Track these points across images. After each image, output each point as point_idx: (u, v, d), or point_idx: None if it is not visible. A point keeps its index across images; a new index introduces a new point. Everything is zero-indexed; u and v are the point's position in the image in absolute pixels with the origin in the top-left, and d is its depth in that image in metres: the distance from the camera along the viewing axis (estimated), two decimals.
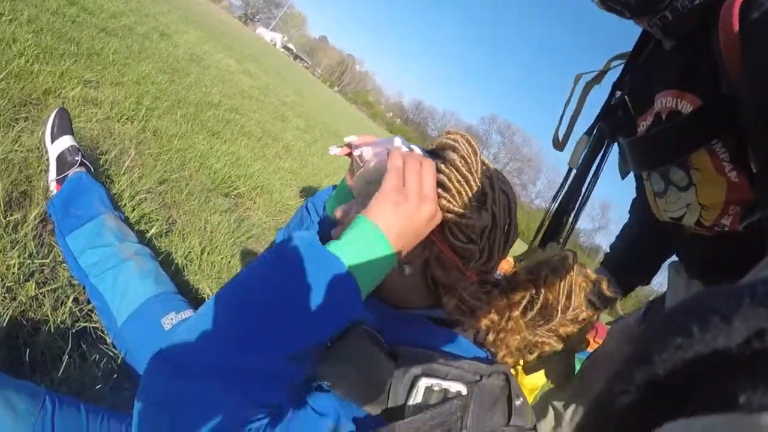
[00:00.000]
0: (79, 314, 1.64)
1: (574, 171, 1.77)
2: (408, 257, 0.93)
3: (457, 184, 0.94)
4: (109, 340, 1.62)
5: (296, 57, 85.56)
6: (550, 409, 1.96)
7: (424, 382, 0.76)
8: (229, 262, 2.48)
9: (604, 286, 1.09)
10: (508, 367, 0.93)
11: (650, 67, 1.47)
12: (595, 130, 1.70)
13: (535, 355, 1.02)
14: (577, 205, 1.79)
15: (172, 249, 2.21)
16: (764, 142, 0.99)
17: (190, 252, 2.27)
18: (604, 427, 0.28)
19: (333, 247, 0.77)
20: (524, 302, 1.00)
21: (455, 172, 0.95)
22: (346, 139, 1.18)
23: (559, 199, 1.79)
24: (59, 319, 1.57)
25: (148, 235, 2.15)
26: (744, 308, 0.23)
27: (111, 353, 1.59)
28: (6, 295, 1.51)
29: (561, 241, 1.80)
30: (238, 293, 0.74)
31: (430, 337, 0.91)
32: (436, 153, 1.01)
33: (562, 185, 1.80)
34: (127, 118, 2.99)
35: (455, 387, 0.77)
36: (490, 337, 0.99)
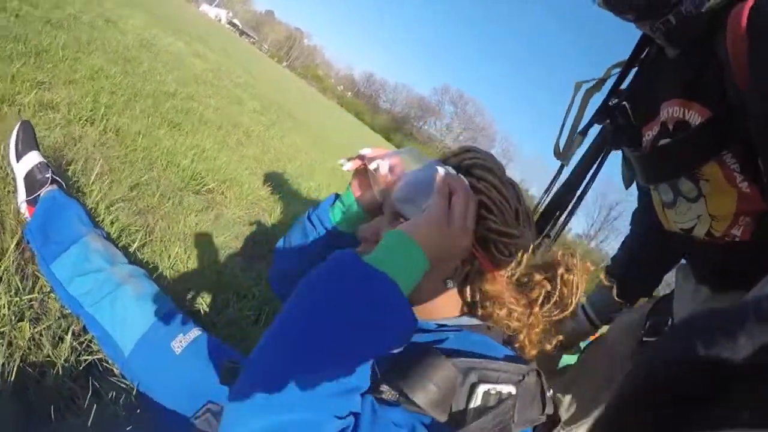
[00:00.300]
0: (80, 348, 1.53)
1: (565, 168, 1.76)
2: (451, 273, 1.02)
3: (501, 205, 1.03)
4: (116, 371, 1.53)
5: (242, 33, 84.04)
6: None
7: (482, 388, 0.85)
8: (216, 264, 2.41)
9: (602, 276, 1.36)
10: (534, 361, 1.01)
11: (653, 75, 1.45)
12: (592, 130, 1.70)
13: (554, 344, 1.10)
14: (570, 206, 1.78)
15: (157, 260, 2.11)
16: None
17: (176, 261, 2.18)
18: None
19: (383, 265, 0.81)
20: (541, 298, 1.05)
21: (496, 193, 1.03)
22: (360, 152, 1.19)
23: (550, 195, 1.77)
24: (62, 357, 1.46)
25: (132, 249, 2.04)
26: (748, 325, 0.23)
27: (124, 385, 1.50)
28: (1, 341, 1.38)
29: (552, 237, 1.78)
30: (298, 321, 0.77)
31: (467, 342, 0.96)
32: (465, 170, 1.04)
33: (553, 181, 1.79)
34: (86, 120, 2.83)
35: (506, 389, 0.87)
36: (522, 337, 1.05)
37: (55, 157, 2.25)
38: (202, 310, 2.04)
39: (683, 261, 1.70)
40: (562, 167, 1.75)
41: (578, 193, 1.76)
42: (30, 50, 3.22)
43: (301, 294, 0.80)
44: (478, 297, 1.05)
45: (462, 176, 1.02)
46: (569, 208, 1.77)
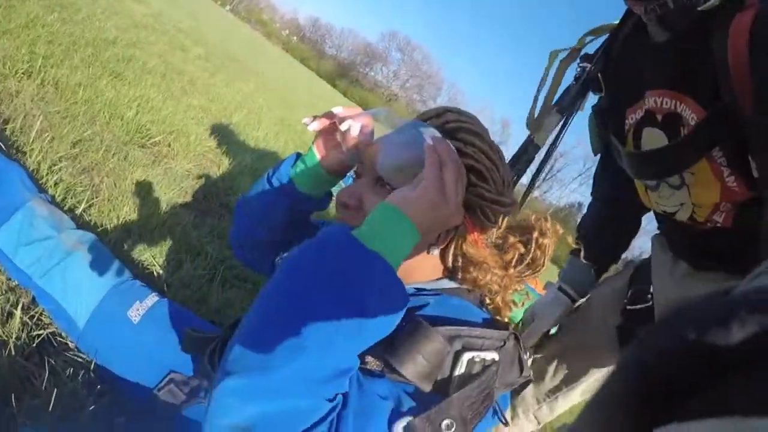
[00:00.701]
0: (30, 322, 1.47)
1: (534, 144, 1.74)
2: (434, 239, 1.03)
3: (492, 173, 1.04)
4: (72, 345, 1.48)
5: None
6: (534, 362, 2.01)
7: (466, 356, 0.86)
8: (168, 222, 2.36)
9: (570, 240, 1.28)
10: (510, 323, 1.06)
11: (635, 55, 1.44)
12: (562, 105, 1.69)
13: (523, 301, 1.20)
14: (536, 173, 1.84)
15: (105, 221, 2.06)
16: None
17: (125, 221, 2.13)
18: (600, 427, 0.29)
19: (376, 242, 0.81)
20: (515, 260, 1.09)
21: (486, 159, 1.04)
22: (332, 110, 1.13)
23: (516, 168, 1.73)
24: (13, 335, 1.39)
25: (78, 211, 1.98)
26: (740, 314, 0.23)
27: (80, 360, 1.45)
28: None
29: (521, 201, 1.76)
30: (290, 305, 0.75)
31: (448, 307, 0.97)
32: (449, 134, 1.03)
33: (520, 153, 1.75)
34: (23, 73, 2.69)
35: (490, 355, 0.88)
36: (498, 299, 1.08)
37: None
38: (155, 272, 2.02)
39: (658, 231, 1.72)
40: (528, 142, 1.73)
41: (543, 157, 1.78)
42: None
43: (292, 274, 0.79)
44: (460, 261, 1.06)
45: (448, 141, 1.00)
46: (535, 174, 1.81)
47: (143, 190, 2.45)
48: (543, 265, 1.12)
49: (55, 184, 2.03)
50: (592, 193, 1.98)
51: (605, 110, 1.63)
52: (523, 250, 1.10)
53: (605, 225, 1.90)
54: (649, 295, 1.72)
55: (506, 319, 1.10)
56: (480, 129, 1.07)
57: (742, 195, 1.22)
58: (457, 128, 1.04)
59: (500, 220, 1.08)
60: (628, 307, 1.77)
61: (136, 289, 1.54)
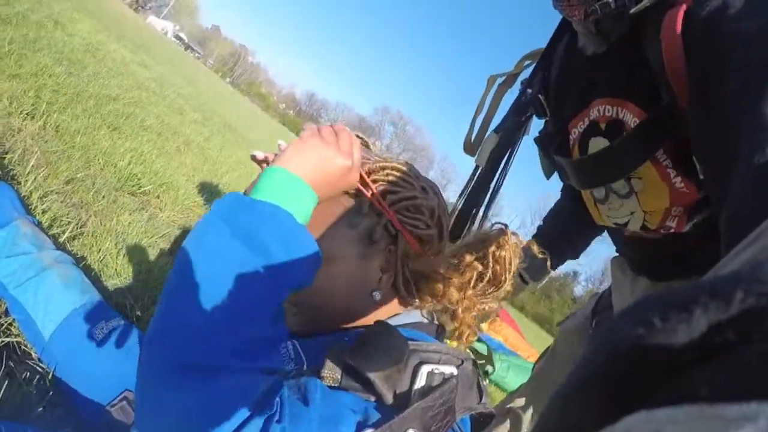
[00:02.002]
0: None
1: (480, 169, 1.69)
2: (375, 283, 1.03)
3: (400, 174, 1.05)
4: (35, 355, 1.54)
5: (188, 47, 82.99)
6: (510, 412, 1.96)
7: (425, 368, 0.84)
8: (145, 263, 2.43)
9: (535, 249, 1.35)
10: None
11: (576, 71, 1.43)
12: (504, 128, 1.66)
13: (488, 322, 1.15)
14: (486, 201, 1.70)
15: (86, 253, 2.14)
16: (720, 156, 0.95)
17: (105, 256, 2.21)
18: (565, 419, 0.28)
19: (259, 195, 0.80)
20: (474, 280, 1.06)
21: (391, 166, 1.05)
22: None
23: (465, 196, 1.69)
24: None
25: (61, 239, 2.08)
26: (704, 300, 0.23)
27: (40, 369, 1.51)
28: None
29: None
30: (208, 274, 0.72)
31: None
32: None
33: (468, 183, 1.72)
34: (27, 114, 2.84)
35: (448, 369, 0.86)
36: (457, 323, 1.07)
37: None
38: (128, 304, 2.07)
39: (615, 253, 1.69)
40: (476, 171, 1.69)
41: (491, 187, 1.70)
42: None
43: (195, 241, 0.76)
44: (411, 283, 1.05)
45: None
46: (485, 203, 1.70)
47: (127, 231, 2.53)
48: (506, 281, 1.07)
49: (43, 212, 2.12)
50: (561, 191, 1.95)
51: (548, 137, 1.60)
52: (480, 267, 1.05)
53: (567, 213, 1.88)
54: None
55: (466, 344, 1.08)
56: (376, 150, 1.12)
57: (691, 197, 1.20)
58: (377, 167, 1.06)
59: (432, 220, 1.06)
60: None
61: (104, 310, 1.60)
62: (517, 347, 6.24)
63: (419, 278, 1.05)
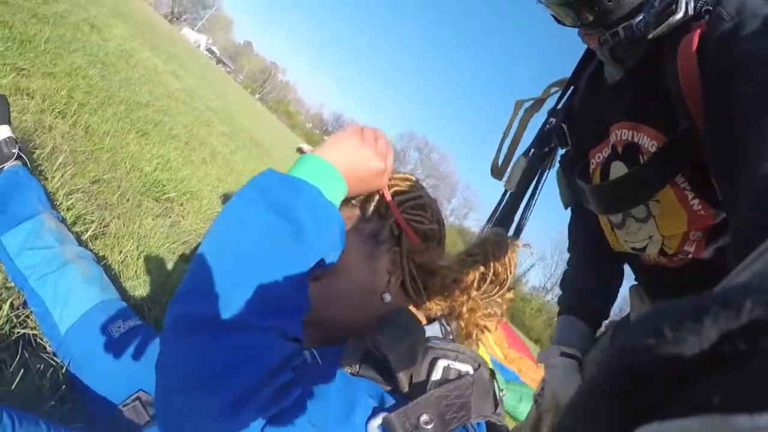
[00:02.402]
0: (15, 320, 1.52)
1: (509, 193, 1.72)
2: (383, 285, 1.01)
3: (403, 177, 1.09)
4: (50, 349, 1.52)
5: (219, 61, 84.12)
6: None
7: (442, 363, 0.84)
8: (165, 268, 2.41)
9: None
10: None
11: (596, 98, 1.46)
12: (531, 153, 1.68)
13: (494, 323, 1.09)
14: (515, 225, 1.73)
15: (108, 253, 2.12)
16: (735, 176, 0.95)
17: (126, 257, 2.19)
18: (579, 430, 0.28)
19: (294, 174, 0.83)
20: (477, 281, 1.05)
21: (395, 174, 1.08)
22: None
23: (494, 220, 1.72)
24: None
25: (84, 237, 2.06)
26: (714, 310, 0.23)
27: (54, 362, 1.49)
28: None
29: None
30: (237, 239, 0.75)
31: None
32: None
33: (497, 207, 1.74)
34: (58, 112, 2.86)
35: (465, 367, 0.86)
36: (463, 323, 1.04)
37: (23, 140, 2.27)
38: (146, 307, 2.05)
39: (635, 282, 1.66)
40: (505, 194, 1.71)
41: (518, 217, 1.72)
42: (15, 36, 3.27)
43: (230, 209, 0.79)
44: (418, 280, 1.04)
45: None
46: (514, 230, 1.73)
47: (149, 235, 2.52)
48: (508, 279, 1.07)
49: (68, 209, 2.12)
50: (568, 249, 1.92)
51: (572, 158, 1.62)
52: (482, 268, 1.06)
53: (587, 279, 1.81)
54: None
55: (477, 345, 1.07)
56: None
57: (709, 220, 1.21)
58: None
59: (433, 217, 1.09)
60: None
61: (122, 310, 1.57)
62: (532, 380, 6.15)
63: (425, 275, 1.04)
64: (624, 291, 1.80)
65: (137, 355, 1.47)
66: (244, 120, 13.36)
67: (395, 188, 1.05)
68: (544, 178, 1.73)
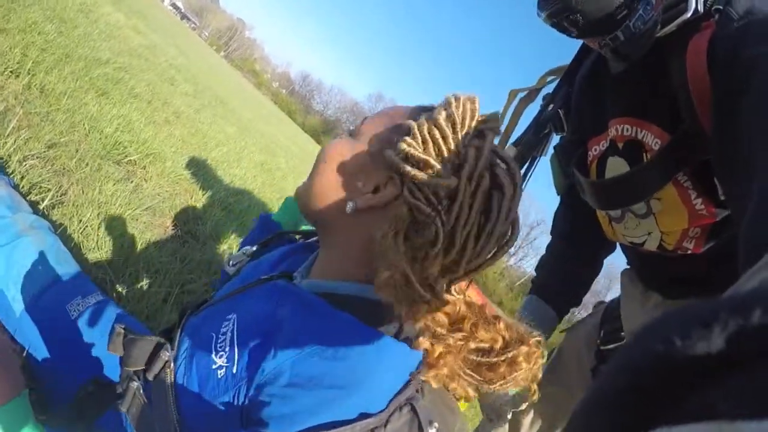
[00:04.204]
0: None
1: None
2: (354, 191, 0.91)
3: (426, 132, 0.86)
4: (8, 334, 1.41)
5: (184, 17, 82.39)
6: (509, 416, 1.88)
7: None
8: (128, 237, 2.33)
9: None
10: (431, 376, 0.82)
11: (597, 88, 1.44)
12: (523, 140, 1.65)
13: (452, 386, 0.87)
14: None
15: (66, 223, 2.03)
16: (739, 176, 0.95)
17: (86, 227, 2.10)
18: None
19: None
20: (482, 348, 0.84)
21: (429, 123, 0.86)
22: None
23: None
24: None
25: (41, 207, 1.96)
26: (723, 317, 0.23)
27: (13, 348, 1.37)
28: None
29: None
30: None
31: (341, 335, 0.82)
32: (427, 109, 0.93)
33: None
34: (11, 72, 2.71)
35: None
36: (426, 342, 0.82)
37: None
38: (108, 280, 1.98)
39: (627, 266, 1.69)
40: None
41: None
42: None
43: None
44: (406, 222, 0.85)
45: None
46: None
47: (110, 202, 2.42)
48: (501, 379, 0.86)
49: (22, 177, 2.02)
50: (551, 232, 1.93)
51: (567, 146, 1.62)
52: (499, 349, 0.85)
53: (564, 265, 1.83)
54: (622, 333, 1.69)
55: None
56: (457, 104, 0.89)
57: (710, 218, 1.21)
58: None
59: (438, 204, 0.83)
60: (602, 347, 1.73)
61: (82, 284, 1.47)
62: None
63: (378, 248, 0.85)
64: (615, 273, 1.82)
65: (96, 337, 1.37)
66: (209, 78, 13.10)
67: (414, 150, 0.85)
68: (535, 165, 1.71)
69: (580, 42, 1.49)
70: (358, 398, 0.77)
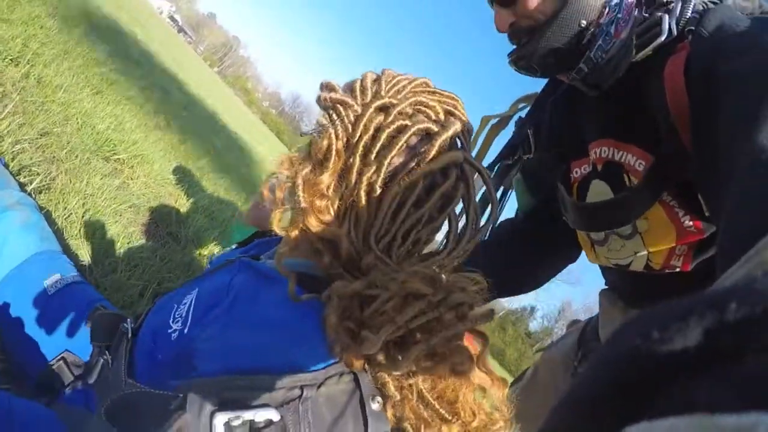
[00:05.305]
0: None
1: None
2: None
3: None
4: None
5: (181, 30, 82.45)
6: None
7: (220, 419, 0.61)
8: (110, 229, 2.34)
9: None
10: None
11: (575, 111, 1.44)
12: (496, 167, 1.64)
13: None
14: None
15: (52, 208, 2.06)
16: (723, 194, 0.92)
17: (71, 214, 2.13)
18: (569, 429, 0.28)
19: None
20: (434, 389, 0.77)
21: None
22: None
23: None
24: None
25: (29, 189, 1.99)
26: (699, 310, 0.23)
27: None
28: None
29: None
30: None
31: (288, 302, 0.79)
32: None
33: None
34: (11, 59, 2.76)
35: (263, 415, 0.63)
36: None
37: None
38: (87, 266, 2.00)
39: (605, 287, 1.65)
40: None
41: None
42: None
43: None
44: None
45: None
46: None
47: (96, 195, 2.45)
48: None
49: (13, 158, 2.05)
50: (490, 234, 1.82)
51: (535, 163, 1.60)
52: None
53: (512, 239, 1.77)
54: None
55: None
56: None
57: (698, 234, 1.20)
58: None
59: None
60: (579, 369, 1.68)
61: (61, 263, 1.50)
62: None
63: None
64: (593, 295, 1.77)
65: (71, 314, 1.40)
66: (202, 91, 13.09)
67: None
68: (508, 195, 1.70)
69: None
70: (293, 351, 0.74)
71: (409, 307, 0.69)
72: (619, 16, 1.15)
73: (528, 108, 1.61)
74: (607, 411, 0.25)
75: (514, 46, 1.27)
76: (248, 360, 0.71)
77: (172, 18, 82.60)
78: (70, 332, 1.37)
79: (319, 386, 0.68)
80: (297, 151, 0.91)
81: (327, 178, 0.83)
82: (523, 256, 1.77)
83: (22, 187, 1.91)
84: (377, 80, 0.91)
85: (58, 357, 1.33)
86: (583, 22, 1.16)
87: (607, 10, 1.16)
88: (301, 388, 0.67)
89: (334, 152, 0.83)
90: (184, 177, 3.96)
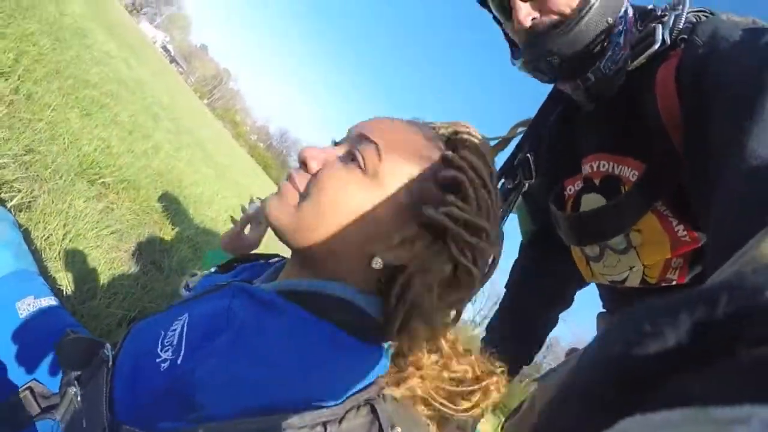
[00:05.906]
0: None
1: None
2: (385, 250, 0.80)
3: (473, 194, 0.80)
4: None
5: (173, 60, 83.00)
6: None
7: None
8: (90, 254, 2.25)
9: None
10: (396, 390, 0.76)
11: (571, 131, 1.44)
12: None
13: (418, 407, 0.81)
14: None
15: (32, 227, 1.97)
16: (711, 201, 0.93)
17: (51, 235, 2.04)
18: (562, 424, 0.29)
19: None
20: (456, 378, 0.84)
21: (475, 183, 0.80)
22: None
23: None
24: None
25: (8, 205, 1.90)
26: (690, 304, 0.24)
27: None
28: None
29: None
30: None
31: (297, 329, 0.76)
32: (452, 143, 0.87)
33: None
34: (1, 73, 2.69)
35: None
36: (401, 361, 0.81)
37: None
38: (65, 292, 1.91)
39: (602, 309, 1.65)
40: None
41: None
42: None
43: None
44: (401, 306, 0.79)
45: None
46: None
47: (79, 217, 2.36)
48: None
49: None
50: (506, 285, 1.88)
51: (536, 188, 1.58)
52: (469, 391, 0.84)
53: (512, 326, 1.81)
54: None
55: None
56: (484, 149, 0.86)
57: (693, 243, 1.19)
58: (463, 140, 0.86)
59: (482, 266, 0.82)
60: None
61: (37, 285, 1.39)
62: None
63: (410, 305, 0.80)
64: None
65: (42, 340, 1.27)
66: (191, 121, 13.11)
67: (458, 206, 0.79)
68: (505, 219, 1.65)
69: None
70: (307, 385, 0.69)
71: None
72: (626, 28, 1.19)
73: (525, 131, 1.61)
74: (601, 404, 0.26)
75: (522, 48, 1.26)
76: (262, 396, 0.66)
77: (164, 48, 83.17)
78: (40, 360, 1.25)
79: (340, 421, 0.65)
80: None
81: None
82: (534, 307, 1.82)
83: (1, 202, 1.83)
84: (489, 194, 0.83)
85: (24, 386, 1.21)
86: (610, 20, 1.16)
87: (621, 22, 1.18)
88: (324, 425, 0.63)
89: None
90: (170, 205, 3.89)
